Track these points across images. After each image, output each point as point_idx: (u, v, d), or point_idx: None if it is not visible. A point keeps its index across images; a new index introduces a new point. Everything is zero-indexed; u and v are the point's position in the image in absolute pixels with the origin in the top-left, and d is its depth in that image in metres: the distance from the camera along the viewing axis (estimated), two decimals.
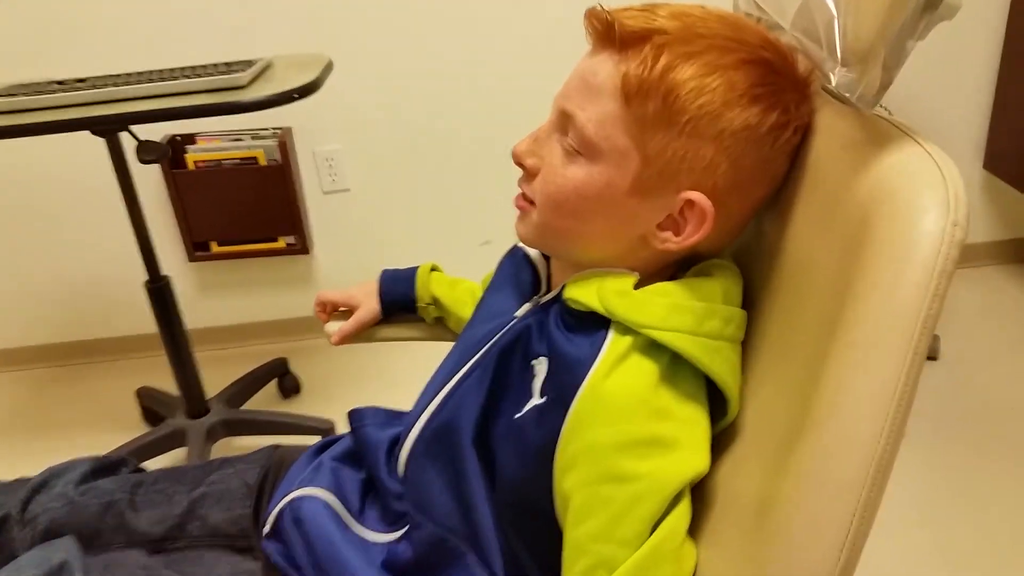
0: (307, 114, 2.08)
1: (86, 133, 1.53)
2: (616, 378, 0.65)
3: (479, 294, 1.04)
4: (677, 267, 0.74)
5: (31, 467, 1.03)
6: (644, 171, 0.66)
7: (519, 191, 0.75)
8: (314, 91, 1.50)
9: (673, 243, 0.69)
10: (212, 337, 2.35)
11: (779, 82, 0.66)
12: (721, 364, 0.67)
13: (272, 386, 2.16)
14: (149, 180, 2.09)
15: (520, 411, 0.71)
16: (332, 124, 2.15)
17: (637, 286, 0.69)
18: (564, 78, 0.72)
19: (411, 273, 1.08)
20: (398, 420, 0.92)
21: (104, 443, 1.84)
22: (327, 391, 2.16)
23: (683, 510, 0.65)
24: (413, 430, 0.81)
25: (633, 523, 0.63)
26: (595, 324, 0.68)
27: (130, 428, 2.05)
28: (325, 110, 2.09)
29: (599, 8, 0.67)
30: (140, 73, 1.58)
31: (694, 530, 0.66)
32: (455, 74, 2.12)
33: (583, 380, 0.66)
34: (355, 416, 0.93)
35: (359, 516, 0.87)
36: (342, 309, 1.13)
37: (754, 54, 0.65)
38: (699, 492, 0.68)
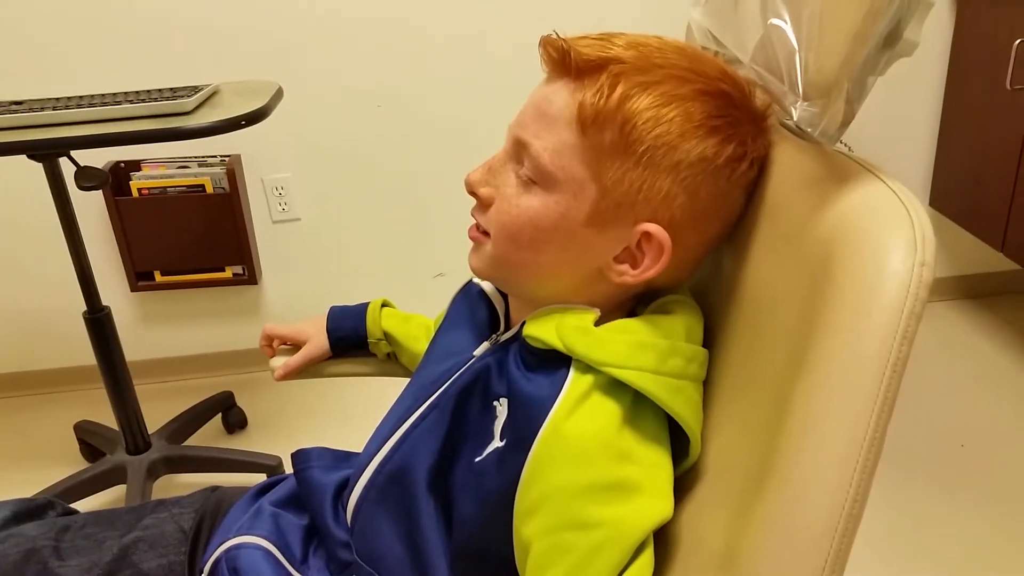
0: (257, 141, 2.04)
1: (23, 158, 1.47)
2: (578, 419, 0.63)
3: (433, 330, 1.01)
4: (636, 302, 0.72)
5: None
6: (601, 202, 0.65)
7: (472, 222, 0.73)
8: (263, 118, 1.46)
9: (630, 276, 0.67)
10: (155, 369, 2.27)
11: (736, 114, 0.65)
12: (684, 404, 0.65)
13: (217, 421, 2.08)
14: (91, 207, 2.03)
15: (480, 455, 0.68)
16: (282, 152, 2.11)
17: (597, 323, 0.67)
18: (519, 107, 0.70)
19: (361, 309, 1.05)
20: (347, 463, 0.88)
21: (40, 479, 1.78)
22: (274, 426, 2.10)
23: (647, 559, 0.62)
24: (364, 474, 0.77)
25: (596, 573, 0.60)
26: (555, 363, 0.66)
27: (68, 464, 1.97)
28: (275, 137, 2.05)
29: (554, 36, 0.66)
30: (81, 97, 1.53)
31: None
32: (408, 102, 2.10)
33: (543, 421, 0.63)
34: (300, 457, 0.89)
35: (301, 566, 0.83)
36: (289, 344, 1.09)
37: (711, 85, 0.64)
38: (661, 535, 0.65)
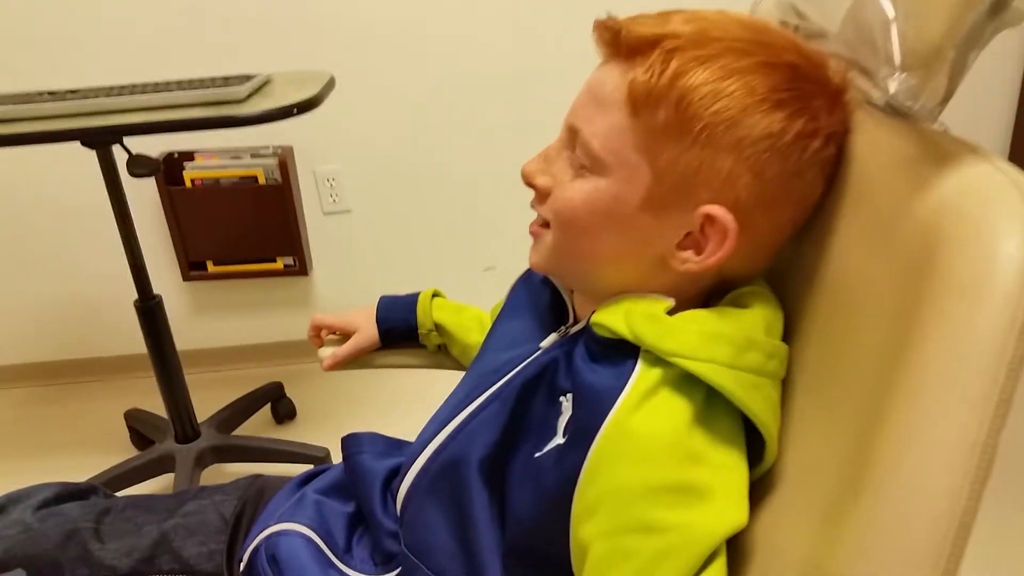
0: (308, 133, 2.02)
1: (77, 146, 1.47)
2: (645, 415, 0.58)
3: (487, 322, 0.98)
4: (709, 296, 0.68)
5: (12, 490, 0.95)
6: (656, 186, 0.61)
7: (532, 218, 0.70)
8: (314, 107, 1.44)
9: (694, 263, 0.62)
10: (206, 359, 2.27)
11: (806, 87, 0.60)
12: (761, 403, 0.60)
13: (266, 411, 2.08)
14: (145, 197, 2.03)
15: (540, 450, 0.64)
16: (334, 143, 2.09)
17: (670, 313, 0.62)
18: (573, 96, 0.67)
19: (412, 299, 1.02)
20: (398, 450, 0.85)
21: (90, 466, 1.78)
22: (323, 418, 2.09)
23: (718, 570, 0.57)
24: (416, 462, 0.74)
25: None
26: (622, 354, 0.62)
27: (118, 451, 1.98)
28: (327, 129, 2.03)
29: (607, 17, 0.62)
30: (134, 85, 1.52)
31: None
32: (460, 94, 2.07)
33: (607, 415, 0.59)
34: (350, 442, 0.86)
35: (345, 555, 0.80)
36: (338, 334, 1.06)
37: (776, 57, 0.59)
38: (732, 544, 0.60)
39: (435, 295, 1.03)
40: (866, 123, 0.62)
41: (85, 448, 2.05)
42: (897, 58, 0.53)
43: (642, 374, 0.60)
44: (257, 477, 0.94)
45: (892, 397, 0.49)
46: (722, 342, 0.59)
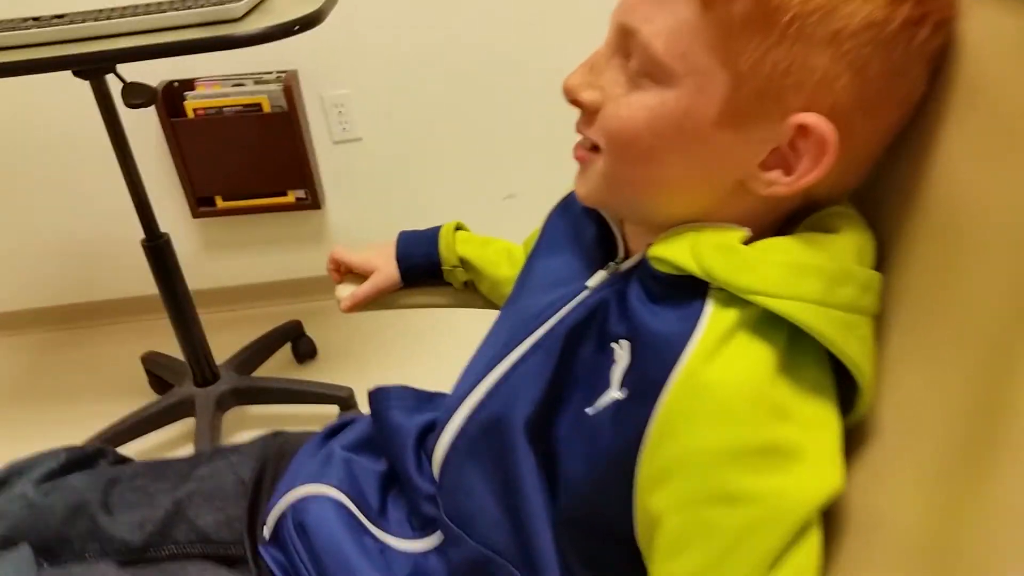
0: (313, 55, 1.90)
1: (70, 77, 1.37)
2: (721, 364, 0.49)
3: (518, 255, 0.89)
4: (788, 221, 0.58)
5: (36, 439, 0.92)
6: (736, 93, 0.50)
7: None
8: (317, 23, 1.32)
9: (783, 185, 0.52)
10: (220, 298, 2.20)
11: None
12: (857, 345, 0.51)
13: (286, 350, 2.01)
14: (147, 130, 1.93)
15: (593, 405, 0.56)
16: (340, 66, 1.96)
17: (746, 244, 0.52)
18: (605, 20, 0.56)
19: (433, 233, 0.93)
20: (430, 404, 0.77)
21: (108, 412, 1.74)
22: (346, 355, 2.02)
23: (812, 545, 0.49)
24: (453, 420, 0.65)
25: (747, 559, 0.48)
26: (688, 293, 0.53)
27: (137, 395, 1.93)
28: (333, 51, 1.91)
29: None
30: (124, 8, 1.41)
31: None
32: (475, 12, 1.92)
33: (674, 366, 0.50)
34: (377, 396, 0.78)
35: (379, 519, 0.73)
36: (357, 273, 0.97)
37: None
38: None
39: (458, 228, 0.94)
40: (976, 4, 0.51)
41: (103, 394, 2.00)
42: None
43: (715, 316, 0.51)
44: (277, 434, 0.87)
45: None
46: (811, 274, 0.50)
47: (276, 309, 2.17)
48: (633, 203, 0.59)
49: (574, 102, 0.57)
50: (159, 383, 1.95)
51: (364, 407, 1.75)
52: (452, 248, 0.92)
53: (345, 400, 1.72)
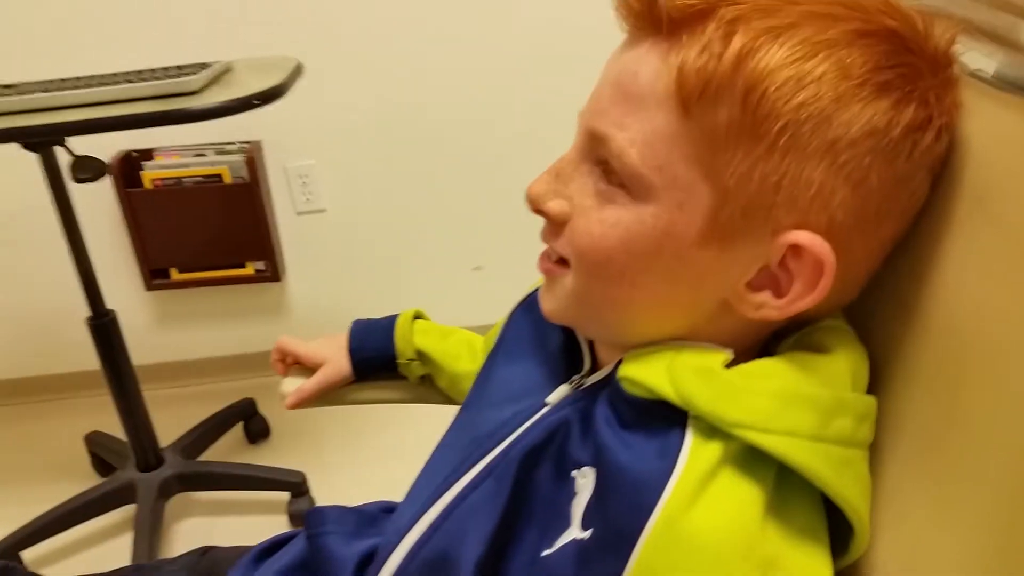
0: (278, 126, 1.86)
1: (17, 147, 1.32)
2: (706, 511, 0.43)
3: (479, 347, 0.83)
4: (773, 336, 0.53)
5: None
6: (721, 209, 0.45)
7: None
8: (278, 97, 1.28)
9: (773, 309, 0.47)
10: (172, 373, 2.11)
11: (912, 62, 0.45)
12: (854, 485, 0.45)
13: (238, 429, 1.92)
14: (101, 200, 1.87)
15: (551, 546, 0.49)
16: (306, 137, 1.92)
17: (729, 366, 0.47)
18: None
19: (389, 323, 0.86)
20: (373, 528, 0.70)
21: (48, 495, 1.65)
22: (300, 436, 1.93)
23: None
24: (394, 556, 0.58)
25: None
26: (663, 419, 0.47)
27: (79, 478, 1.82)
28: (298, 122, 1.87)
29: None
30: (78, 78, 1.36)
31: None
32: (442, 81, 1.90)
33: (652, 511, 0.44)
34: (314, 520, 0.70)
35: None
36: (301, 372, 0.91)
37: (873, 21, 0.44)
38: None
39: (417, 317, 0.88)
40: (979, 104, 0.47)
41: (44, 475, 1.89)
42: None
43: (696, 451, 0.45)
44: (206, 551, 0.79)
45: None
46: (803, 405, 0.44)
47: (230, 385, 2.09)
48: (605, 323, 0.54)
49: (539, 212, 0.52)
50: (103, 465, 1.85)
51: (317, 492, 1.68)
52: (409, 340, 0.86)
53: (297, 486, 1.64)
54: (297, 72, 1.41)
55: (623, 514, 0.45)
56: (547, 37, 1.84)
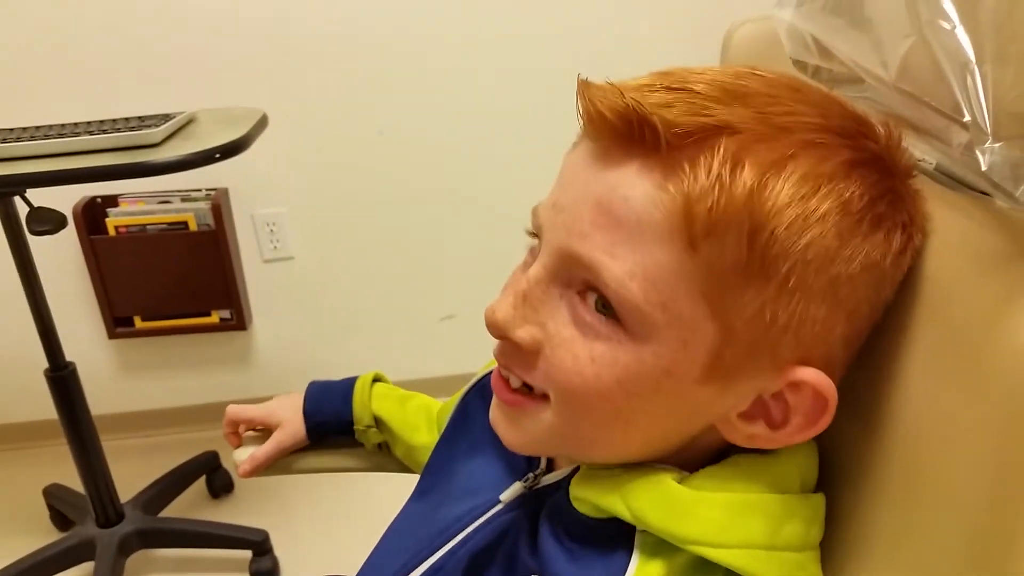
0: (245, 173, 1.84)
1: None
2: None
3: (436, 414, 0.81)
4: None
5: None
6: (726, 347, 0.42)
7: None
8: (241, 150, 1.27)
9: (766, 440, 0.45)
10: (135, 423, 2.07)
11: (896, 187, 0.44)
12: None
13: (200, 484, 1.88)
14: (64, 247, 1.83)
15: None
16: (274, 185, 1.91)
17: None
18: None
19: (347, 386, 0.84)
20: None
21: (8, 549, 1.61)
22: (263, 492, 1.89)
23: None
24: None
25: None
26: (611, 538, 0.45)
27: (37, 532, 1.78)
28: (266, 169, 1.86)
29: (606, 86, 0.42)
30: (37, 128, 1.34)
31: None
32: (411, 129, 1.90)
33: None
34: None
35: None
36: (259, 430, 0.88)
37: (860, 148, 0.43)
38: None
39: (376, 380, 0.86)
40: (929, 199, 0.46)
41: (2, 528, 1.84)
42: (987, 121, 0.38)
43: (641, 568, 0.43)
44: None
45: None
46: (755, 514, 0.43)
47: (193, 436, 2.04)
48: (586, 455, 0.50)
49: (504, 339, 0.46)
50: (61, 519, 1.80)
51: (280, 551, 1.64)
52: (367, 405, 0.84)
53: (260, 544, 1.60)
54: (262, 124, 1.40)
55: None
56: (520, 87, 1.85)
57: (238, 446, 0.88)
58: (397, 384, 0.88)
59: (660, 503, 0.44)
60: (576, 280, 0.44)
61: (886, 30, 0.45)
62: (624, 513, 0.44)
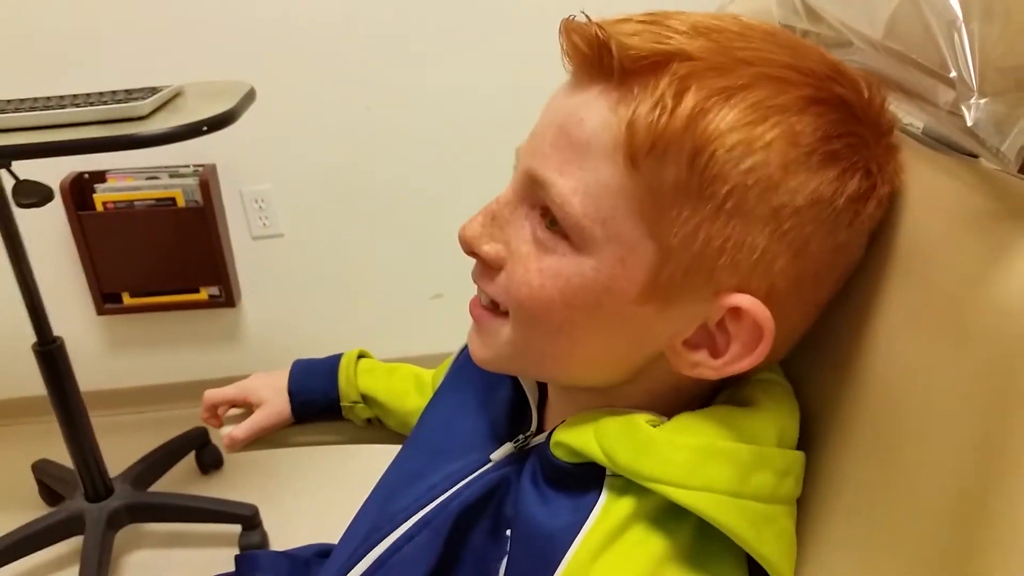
0: (234, 149, 1.83)
1: None
2: (610, 562, 0.43)
3: (427, 382, 0.81)
4: (713, 390, 0.52)
5: None
6: (663, 268, 0.44)
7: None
8: (229, 123, 1.26)
9: (709, 368, 0.46)
10: (124, 400, 2.07)
11: (860, 131, 0.44)
12: (774, 541, 0.44)
13: (190, 459, 1.88)
14: (53, 222, 1.83)
15: None
16: (262, 161, 1.90)
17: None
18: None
19: (332, 364, 0.84)
20: (304, 572, 0.68)
21: None
22: (253, 467, 1.89)
23: None
24: None
25: None
26: (587, 480, 0.46)
27: (27, 507, 1.78)
28: (254, 145, 1.85)
29: (583, 20, 0.44)
30: (21, 100, 1.33)
31: None
32: (399, 105, 1.89)
33: (560, 564, 0.44)
34: (245, 564, 0.68)
35: None
36: (242, 408, 0.88)
37: (824, 89, 0.43)
38: None
39: (361, 356, 0.86)
40: (913, 162, 0.47)
41: None
42: (974, 77, 0.38)
43: (607, 507, 0.44)
44: None
45: (975, 558, 0.35)
46: (722, 460, 0.44)
47: (182, 412, 2.03)
48: (542, 372, 0.53)
49: (472, 254, 0.50)
50: (50, 494, 1.80)
51: (269, 525, 1.65)
52: (353, 382, 0.84)
53: (249, 519, 1.61)
54: (249, 97, 1.39)
55: (534, 570, 0.45)
56: (510, 66, 1.84)
57: (220, 426, 0.88)
58: (386, 362, 0.88)
59: (629, 442, 0.45)
60: (537, 200, 0.47)
61: None
62: (596, 451, 0.45)
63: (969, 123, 0.38)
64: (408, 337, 1.96)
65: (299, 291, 2.04)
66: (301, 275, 2.03)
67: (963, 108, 0.38)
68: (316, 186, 1.95)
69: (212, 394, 0.86)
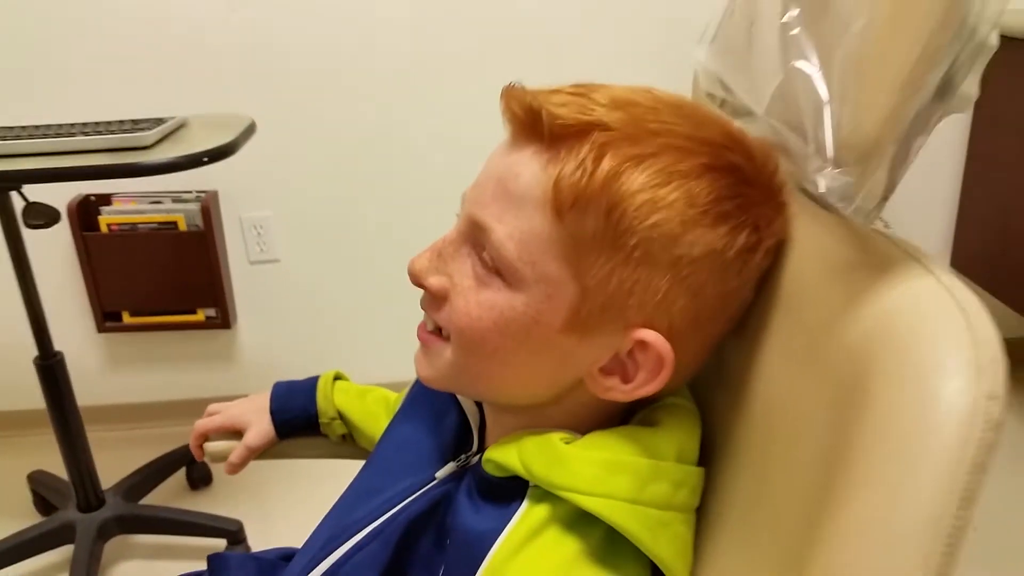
0: (234, 177, 1.91)
1: None
2: (524, 560, 0.50)
3: (394, 403, 0.88)
4: (628, 412, 0.59)
5: None
6: (583, 304, 0.51)
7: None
8: (229, 154, 1.34)
9: (620, 392, 0.53)
10: (120, 416, 2.13)
11: (749, 193, 0.52)
12: (668, 544, 0.51)
13: (180, 475, 1.94)
14: (58, 242, 1.91)
15: None
16: (262, 189, 1.98)
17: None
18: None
19: (311, 384, 0.91)
20: (270, 573, 0.74)
21: None
22: (240, 484, 1.94)
23: None
24: None
25: None
26: (511, 495, 0.53)
27: (20, 516, 1.83)
28: (254, 173, 1.93)
29: (520, 88, 0.52)
30: (35, 127, 1.41)
31: None
32: (395, 137, 1.97)
33: (482, 562, 0.50)
34: (216, 564, 0.75)
35: None
36: (220, 441, 0.95)
37: (719, 157, 0.51)
38: None
39: (337, 377, 0.93)
40: (802, 217, 0.54)
41: None
42: (830, 150, 0.45)
43: (527, 511, 0.51)
44: None
45: (813, 552, 0.41)
46: (623, 472, 0.50)
47: (176, 430, 2.09)
48: (478, 391, 0.60)
49: (419, 285, 0.58)
50: (44, 504, 1.86)
51: (254, 541, 1.70)
52: (330, 399, 0.91)
53: (234, 534, 1.66)
54: (250, 131, 1.47)
55: (464, 569, 0.51)
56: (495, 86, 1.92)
57: (201, 459, 0.95)
58: (381, 387, 0.94)
59: (545, 457, 0.51)
60: (478, 241, 0.54)
61: (762, 70, 0.52)
62: (517, 465, 0.52)
63: (821, 190, 0.45)
64: (401, 362, 2.02)
65: (293, 315, 2.11)
66: (295, 299, 2.10)
67: (817, 177, 0.45)
68: (312, 214, 2.02)
69: (203, 424, 0.93)
